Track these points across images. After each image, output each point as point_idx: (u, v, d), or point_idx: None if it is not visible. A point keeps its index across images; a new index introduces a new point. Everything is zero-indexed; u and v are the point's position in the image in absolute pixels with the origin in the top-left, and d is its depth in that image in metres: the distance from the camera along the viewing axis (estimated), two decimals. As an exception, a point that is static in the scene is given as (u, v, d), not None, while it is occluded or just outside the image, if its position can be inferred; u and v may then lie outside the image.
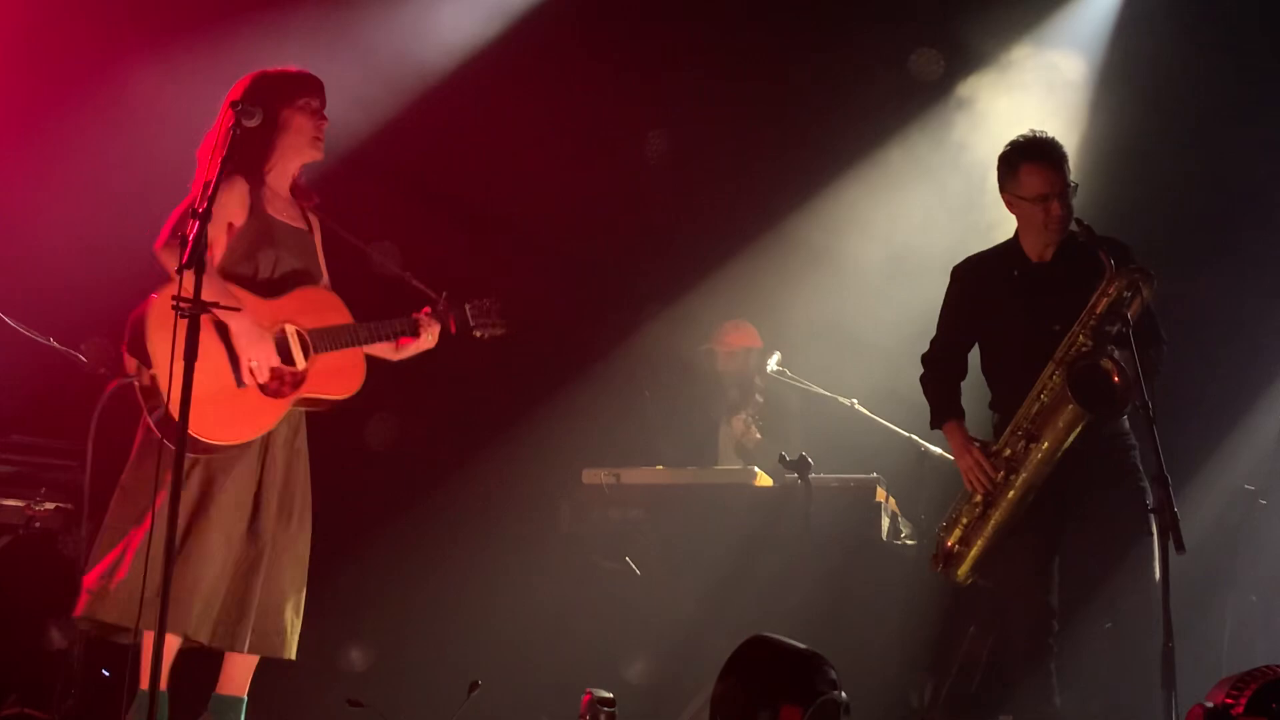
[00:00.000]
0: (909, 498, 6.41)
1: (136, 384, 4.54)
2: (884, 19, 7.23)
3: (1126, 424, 4.95)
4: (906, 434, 6.37)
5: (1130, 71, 7.04)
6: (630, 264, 7.41)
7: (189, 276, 3.95)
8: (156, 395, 4.48)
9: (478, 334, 5.09)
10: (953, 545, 5.04)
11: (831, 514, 5.98)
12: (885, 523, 6.07)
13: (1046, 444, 4.86)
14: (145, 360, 4.51)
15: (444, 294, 5.04)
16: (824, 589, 6.13)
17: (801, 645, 3.97)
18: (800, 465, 5.84)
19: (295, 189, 4.85)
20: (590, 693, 4.62)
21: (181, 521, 4.44)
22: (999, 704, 6.18)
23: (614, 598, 6.38)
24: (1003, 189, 5.04)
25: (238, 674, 4.73)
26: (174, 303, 3.99)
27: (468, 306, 5.06)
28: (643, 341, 7.41)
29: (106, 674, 5.34)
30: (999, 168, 5.05)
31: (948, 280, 5.26)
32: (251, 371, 4.60)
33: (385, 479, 6.88)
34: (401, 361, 4.99)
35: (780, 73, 7.36)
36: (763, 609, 6.12)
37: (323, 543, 6.73)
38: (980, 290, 5.13)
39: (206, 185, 4.12)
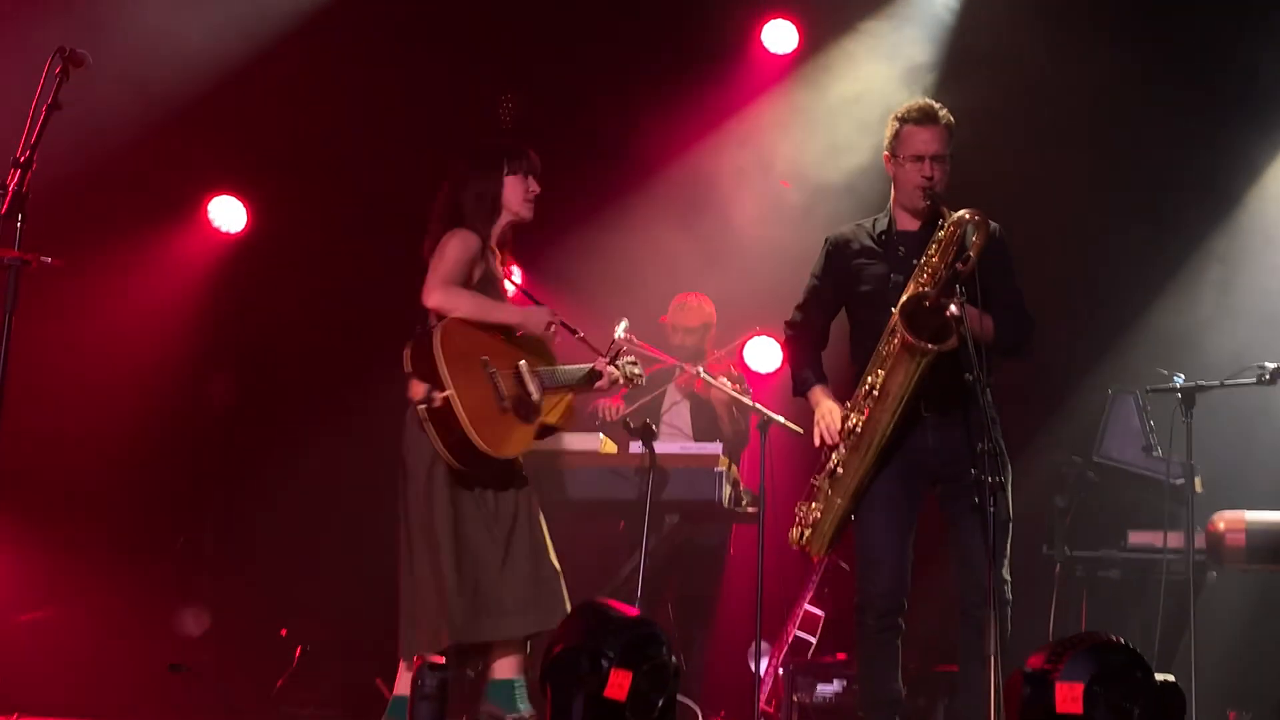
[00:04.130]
0: (751, 466, 6.45)
1: (423, 408, 4.85)
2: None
3: (989, 401, 4.90)
4: (751, 403, 6.41)
5: (977, 53, 7.12)
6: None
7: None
8: (449, 418, 4.80)
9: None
10: (810, 517, 4.95)
11: (674, 481, 6.00)
12: (727, 490, 6.10)
13: (890, 393, 4.80)
14: (436, 383, 4.82)
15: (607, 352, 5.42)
16: (665, 555, 6.18)
17: (633, 610, 3.98)
18: (644, 432, 5.84)
19: (505, 245, 5.31)
20: (421, 658, 4.60)
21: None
22: (836, 670, 6.29)
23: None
24: (886, 149, 5.08)
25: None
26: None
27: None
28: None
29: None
30: (888, 128, 5.08)
31: (805, 253, 5.25)
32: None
33: (220, 441, 6.75)
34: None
35: (630, 30, 7.34)
36: (603, 574, 6.14)
37: (160, 505, 6.65)
38: (846, 257, 5.12)
39: (29, 133, 4.00)
